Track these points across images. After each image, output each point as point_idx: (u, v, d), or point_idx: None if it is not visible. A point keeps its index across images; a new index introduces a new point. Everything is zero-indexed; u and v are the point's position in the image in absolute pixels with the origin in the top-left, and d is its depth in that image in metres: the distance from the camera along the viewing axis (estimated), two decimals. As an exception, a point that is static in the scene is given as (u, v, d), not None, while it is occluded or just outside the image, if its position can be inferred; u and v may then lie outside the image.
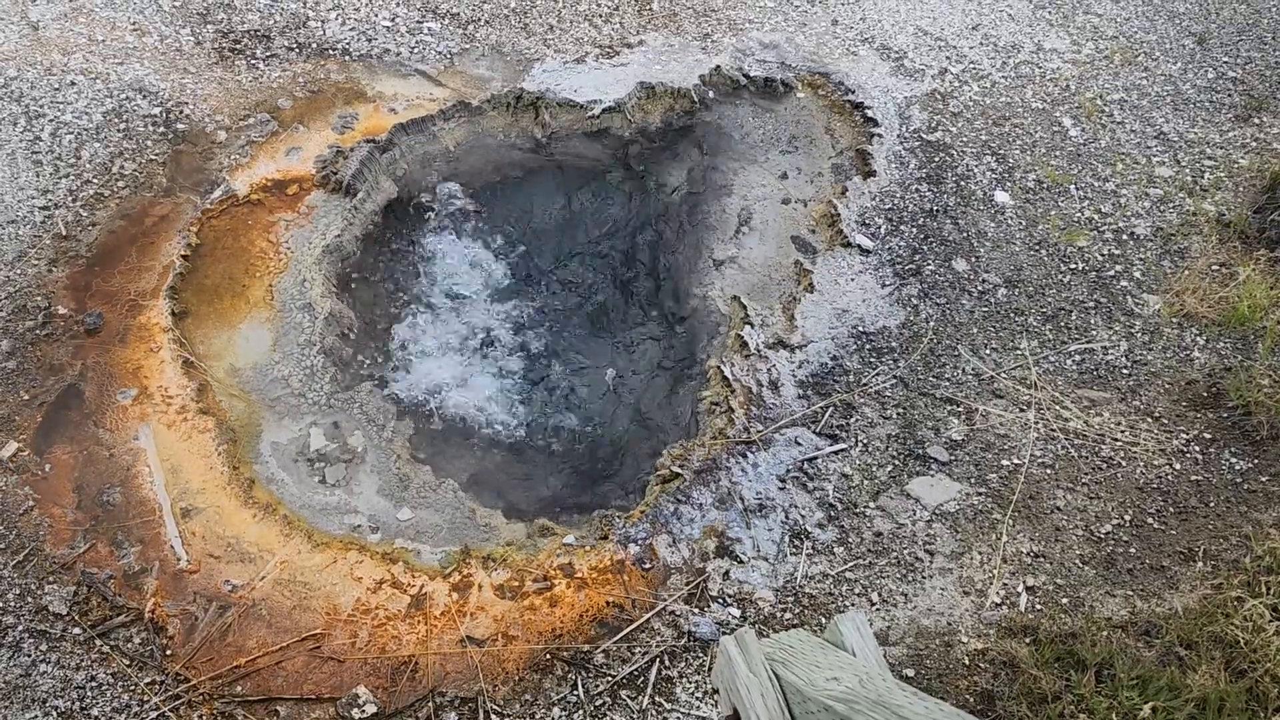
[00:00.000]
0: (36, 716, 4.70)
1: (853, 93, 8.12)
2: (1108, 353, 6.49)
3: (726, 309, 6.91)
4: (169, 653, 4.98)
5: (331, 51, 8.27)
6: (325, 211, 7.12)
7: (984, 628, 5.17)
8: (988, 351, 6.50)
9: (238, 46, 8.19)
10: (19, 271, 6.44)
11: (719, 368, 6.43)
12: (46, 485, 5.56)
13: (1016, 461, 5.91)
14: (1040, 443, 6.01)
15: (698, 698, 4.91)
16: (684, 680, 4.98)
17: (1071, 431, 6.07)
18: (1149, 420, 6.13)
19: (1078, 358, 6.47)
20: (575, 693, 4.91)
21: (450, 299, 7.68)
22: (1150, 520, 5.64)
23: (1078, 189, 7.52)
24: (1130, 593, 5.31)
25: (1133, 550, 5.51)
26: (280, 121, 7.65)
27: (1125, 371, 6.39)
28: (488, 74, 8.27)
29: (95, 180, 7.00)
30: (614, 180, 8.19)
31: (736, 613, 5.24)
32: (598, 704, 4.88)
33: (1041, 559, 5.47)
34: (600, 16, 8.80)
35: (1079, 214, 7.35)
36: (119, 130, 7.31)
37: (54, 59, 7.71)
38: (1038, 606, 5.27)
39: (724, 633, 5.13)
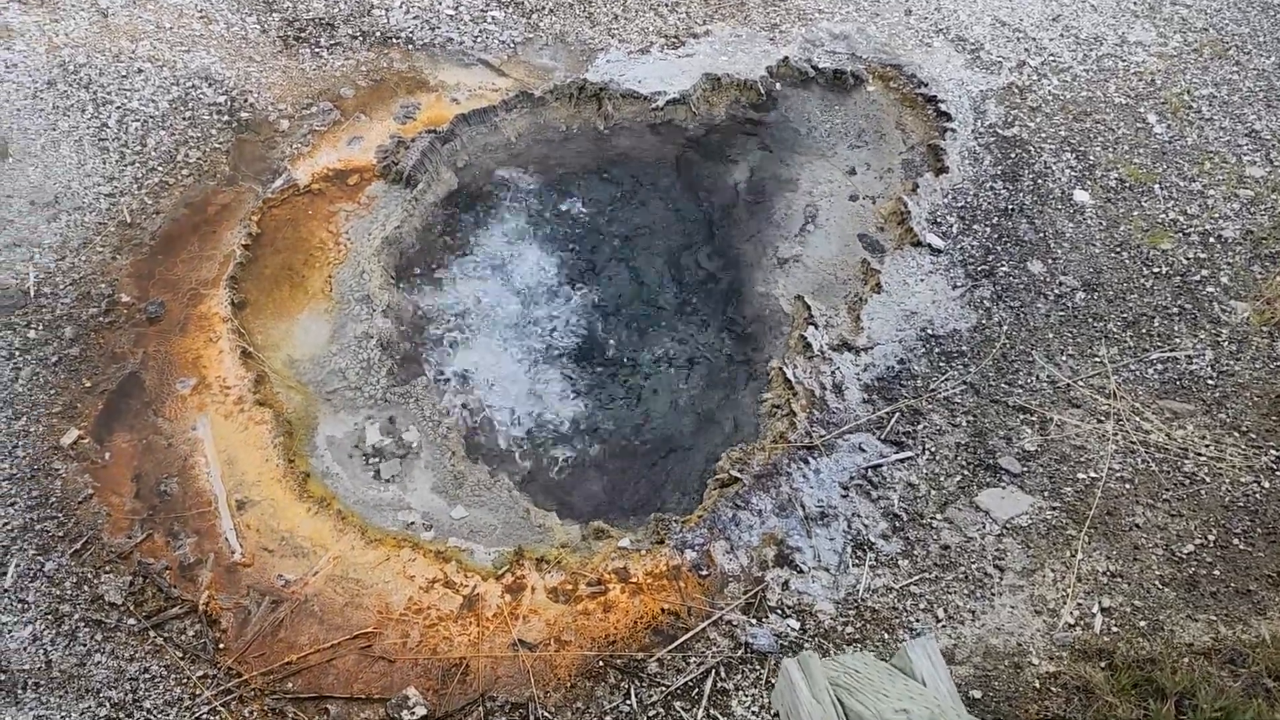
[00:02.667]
0: (90, 707, 4.71)
1: (926, 85, 7.88)
2: (1192, 362, 6.20)
3: (790, 308, 6.76)
4: (222, 646, 4.96)
5: (395, 40, 8.22)
6: (385, 202, 7.09)
7: (1056, 650, 4.96)
8: (1064, 358, 6.25)
9: (302, 35, 8.18)
10: (84, 258, 6.48)
11: (781, 369, 6.27)
12: (106, 473, 5.58)
13: (1093, 475, 5.67)
14: (1119, 455, 5.76)
15: (754, 712, 4.77)
16: (740, 693, 4.84)
17: (1152, 444, 5.80)
18: (1236, 434, 5.83)
19: (1160, 366, 6.20)
20: (628, 702, 4.79)
21: (506, 291, 7.57)
22: (1236, 541, 5.36)
23: (1162, 189, 7.21)
24: (1214, 618, 5.05)
25: (1217, 572, 5.24)
26: (342, 110, 7.62)
27: (1211, 382, 6.09)
28: (551, 64, 8.16)
29: (160, 168, 7.03)
30: (676, 174, 8.03)
31: (795, 625, 5.08)
32: (651, 715, 4.75)
33: (1118, 579, 5.23)
34: (666, 6, 8.64)
35: (1163, 215, 7.04)
36: (184, 118, 7.33)
37: (122, 46, 7.76)
38: (1114, 629, 5.04)
39: (782, 645, 4.99)
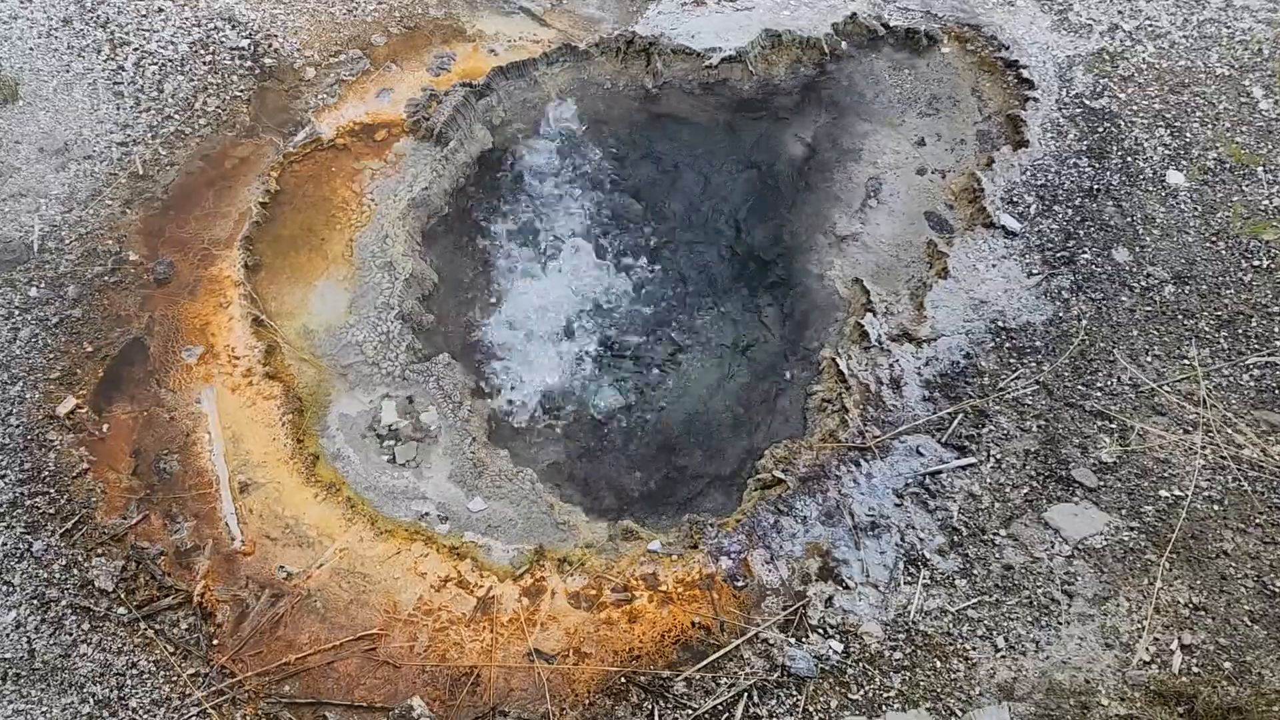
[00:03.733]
0: (73, 703, 4.43)
1: (1006, 49, 7.39)
2: (1293, 369, 5.75)
3: (846, 292, 6.43)
4: (216, 642, 4.69)
5: (432, -16, 7.76)
6: (414, 161, 6.72)
7: (1129, 689, 4.62)
8: (1149, 359, 5.82)
9: (335, -25, 7.74)
10: (92, 212, 6.16)
11: (834, 360, 5.93)
12: (103, 447, 5.29)
13: (1178, 493, 5.27)
14: (1207, 472, 5.36)
15: (788, 745, 4.40)
16: (774, 720, 4.48)
17: (1245, 461, 5.38)
18: (1342, 454, 5.33)
19: (1257, 372, 5.75)
20: (650, 724, 4.52)
21: (540, 264, 7.18)
22: (1339, 576, 4.98)
23: (1267, 172, 6.70)
24: (1310, 663, 4.69)
25: (1315, 610, 4.86)
26: (372, 60, 7.23)
27: (1315, 393, 5.64)
28: (598, 14, 7.71)
29: (177, 116, 6.69)
30: (728, 139, 7.56)
31: (838, 647, 4.79)
32: (675, 741, 4.43)
33: (1202, 612, 4.86)
34: (724, -47, 8.09)
35: (1267, 201, 6.54)
36: (204, 63, 6.96)
37: (144, -17, 7.37)
38: (1195, 669, 4.69)
39: (822, 669, 4.69)
